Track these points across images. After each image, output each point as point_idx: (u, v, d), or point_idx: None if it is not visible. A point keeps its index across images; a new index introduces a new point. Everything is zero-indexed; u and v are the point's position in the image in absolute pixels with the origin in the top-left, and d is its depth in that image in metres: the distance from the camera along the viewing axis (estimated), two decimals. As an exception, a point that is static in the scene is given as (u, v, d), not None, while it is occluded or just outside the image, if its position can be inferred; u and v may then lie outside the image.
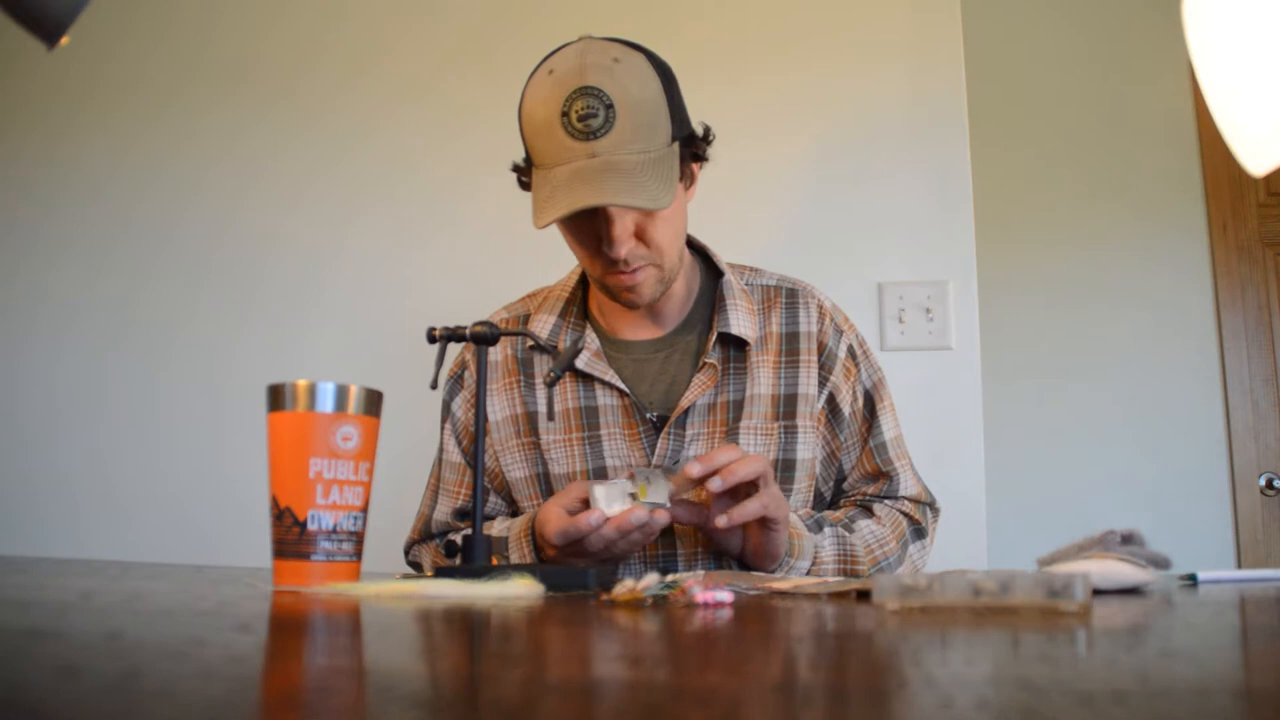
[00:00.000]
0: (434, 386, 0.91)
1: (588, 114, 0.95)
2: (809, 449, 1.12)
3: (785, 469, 1.11)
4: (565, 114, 0.96)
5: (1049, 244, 2.46)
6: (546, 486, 1.14)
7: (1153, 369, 2.40)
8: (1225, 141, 1.00)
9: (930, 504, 1.18)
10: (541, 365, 1.15)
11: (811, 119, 1.69)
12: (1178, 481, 2.34)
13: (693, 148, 1.07)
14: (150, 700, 0.27)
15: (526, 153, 1.06)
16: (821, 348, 1.15)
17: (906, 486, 1.16)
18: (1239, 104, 0.97)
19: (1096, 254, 2.45)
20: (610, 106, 0.96)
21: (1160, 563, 0.69)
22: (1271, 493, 2.34)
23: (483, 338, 0.84)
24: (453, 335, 0.86)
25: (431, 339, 0.88)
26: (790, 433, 1.11)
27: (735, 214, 1.67)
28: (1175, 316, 2.41)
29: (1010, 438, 2.36)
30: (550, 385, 0.94)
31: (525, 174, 1.08)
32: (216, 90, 1.92)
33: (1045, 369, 2.43)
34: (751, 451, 1.09)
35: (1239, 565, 2.28)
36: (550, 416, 0.97)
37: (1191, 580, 0.76)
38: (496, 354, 1.18)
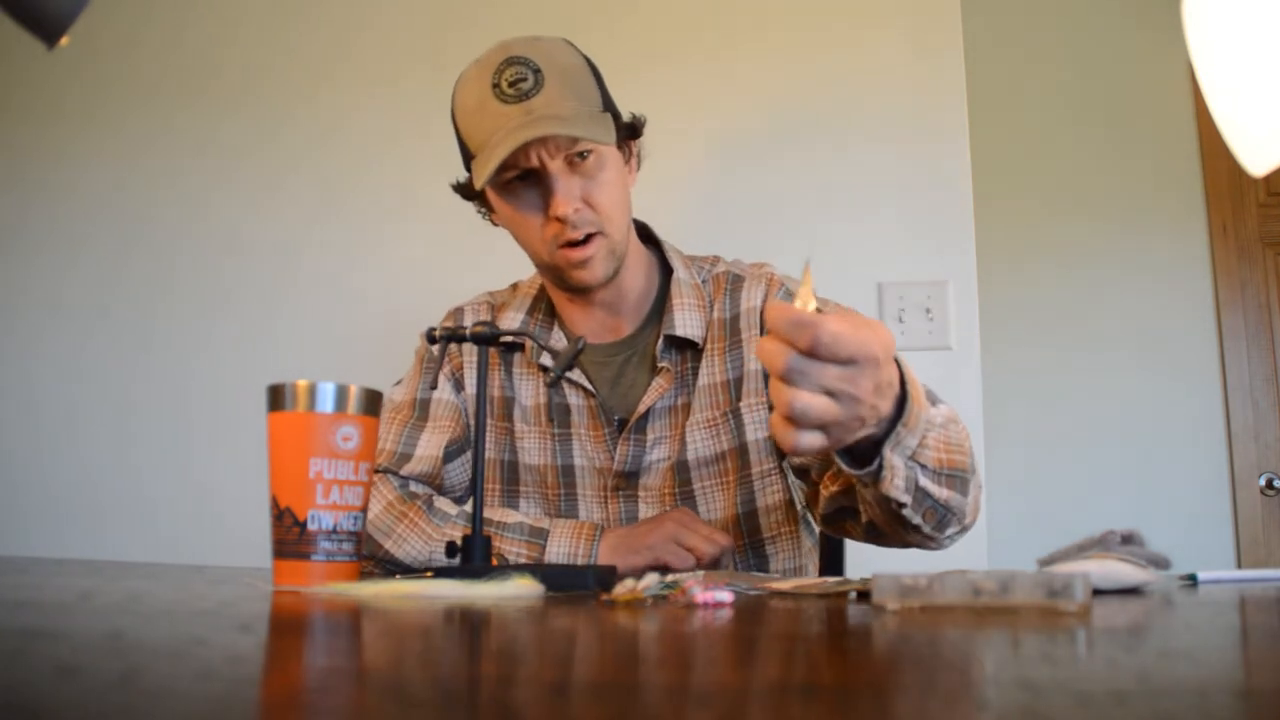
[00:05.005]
0: (433, 387, 0.91)
1: (517, 79, 0.97)
2: (762, 429, 1.08)
3: (741, 455, 1.08)
4: (495, 85, 0.98)
5: (1049, 244, 2.46)
6: (511, 474, 1.13)
7: (1153, 369, 2.40)
8: (1225, 141, 1.00)
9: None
10: (520, 359, 1.15)
11: (811, 119, 1.69)
12: (1178, 481, 2.34)
13: (627, 124, 1.08)
14: (150, 700, 0.27)
15: (465, 154, 1.06)
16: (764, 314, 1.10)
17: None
18: (1239, 104, 0.97)
19: (1096, 253, 2.45)
20: (538, 71, 0.98)
21: (1160, 563, 0.69)
22: (1271, 493, 2.34)
23: (483, 338, 0.84)
24: (453, 335, 0.86)
25: (432, 339, 0.88)
26: (737, 416, 1.08)
27: (734, 214, 1.67)
28: (1175, 316, 2.41)
29: (1010, 438, 2.36)
30: (551, 386, 0.94)
31: (467, 185, 1.09)
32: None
33: (1045, 368, 2.43)
34: (702, 448, 1.08)
35: (1239, 565, 2.28)
36: (550, 417, 0.97)
37: (1191, 580, 0.76)
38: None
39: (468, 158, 1.06)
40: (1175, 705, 0.27)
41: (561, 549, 1.01)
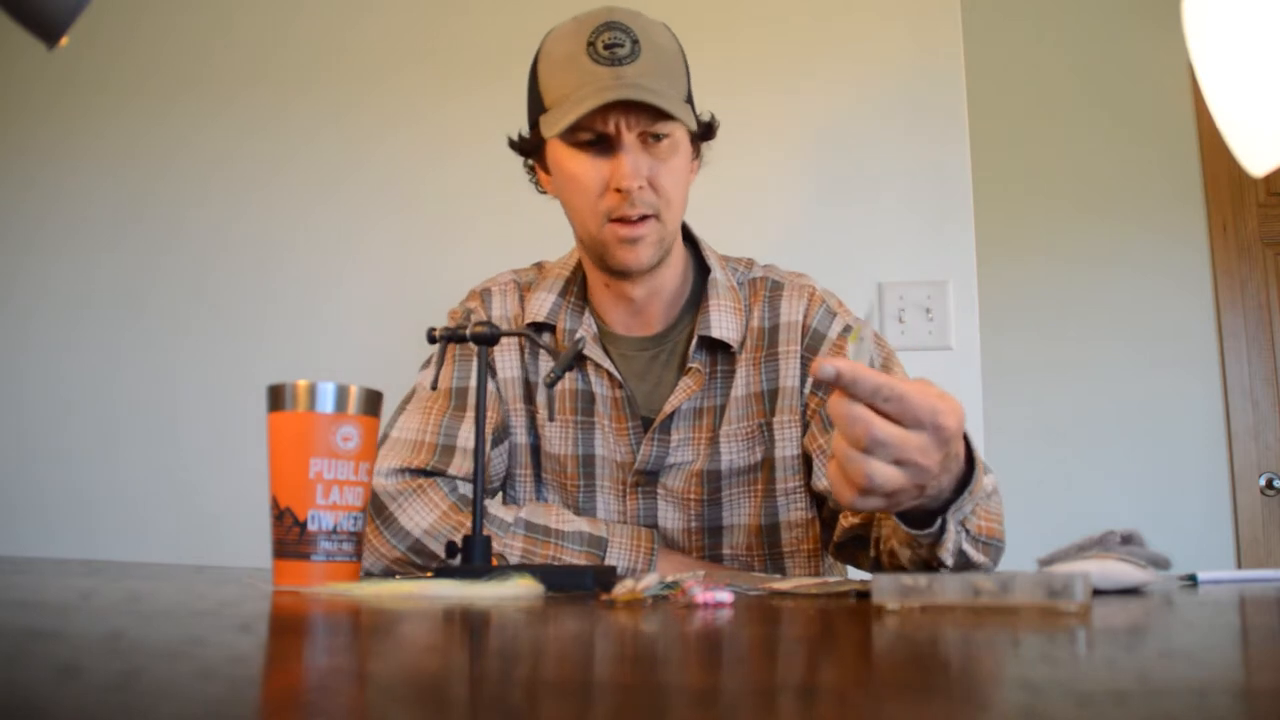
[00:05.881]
0: (433, 387, 0.90)
1: (614, 43, 0.95)
2: (792, 445, 1.06)
3: (770, 469, 1.07)
4: (591, 44, 0.96)
5: (1049, 244, 2.47)
6: (537, 460, 1.10)
7: (1153, 369, 2.40)
8: (1225, 141, 1.00)
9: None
10: (549, 340, 1.11)
11: (812, 119, 1.69)
12: (1178, 481, 2.34)
13: (705, 123, 1.06)
14: (150, 700, 0.27)
15: (535, 107, 1.03)
16: (806, 330, 1.08)
17: None
18: (1239, 104, 0.98)
19: (1096, 254, 2.45)
20: (636, 42, 0.96)
21: (1160, 563, 0.69)
22: (1271, 493, 2.34)
23: (483, 338, 0.84)
24: (453, 335, 0.85)
25: (431, 339, 0.87)
26: (769, 430, 1.06)
27: (735, 214, 1.66)
28: (1175, 317, 2.41)
29: (1010, 438, 2.36)
30: (550, 385, 0.93)
31: (527, 141, 1.06)
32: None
33: (1045, 369, 2.43)
34: (737, 458, 1.06)
35: (1239, 565, 2.28)
36: (550, 417, 0.96)
37: (1191, 580, 0.76)
38: (506, 310, 1.15)
39: (537, 111, 1.02)
40: (1175, 705, 0.27)
41: (620, 560, 0.99)
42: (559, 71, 0.98)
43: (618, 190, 0.98)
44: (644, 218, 1.00)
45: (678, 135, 1.00)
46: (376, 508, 1.00)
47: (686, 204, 1.06)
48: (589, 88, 0.95)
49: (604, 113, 0.95)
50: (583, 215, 1.02)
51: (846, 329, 1.09)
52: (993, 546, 0.87)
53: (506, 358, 1.12)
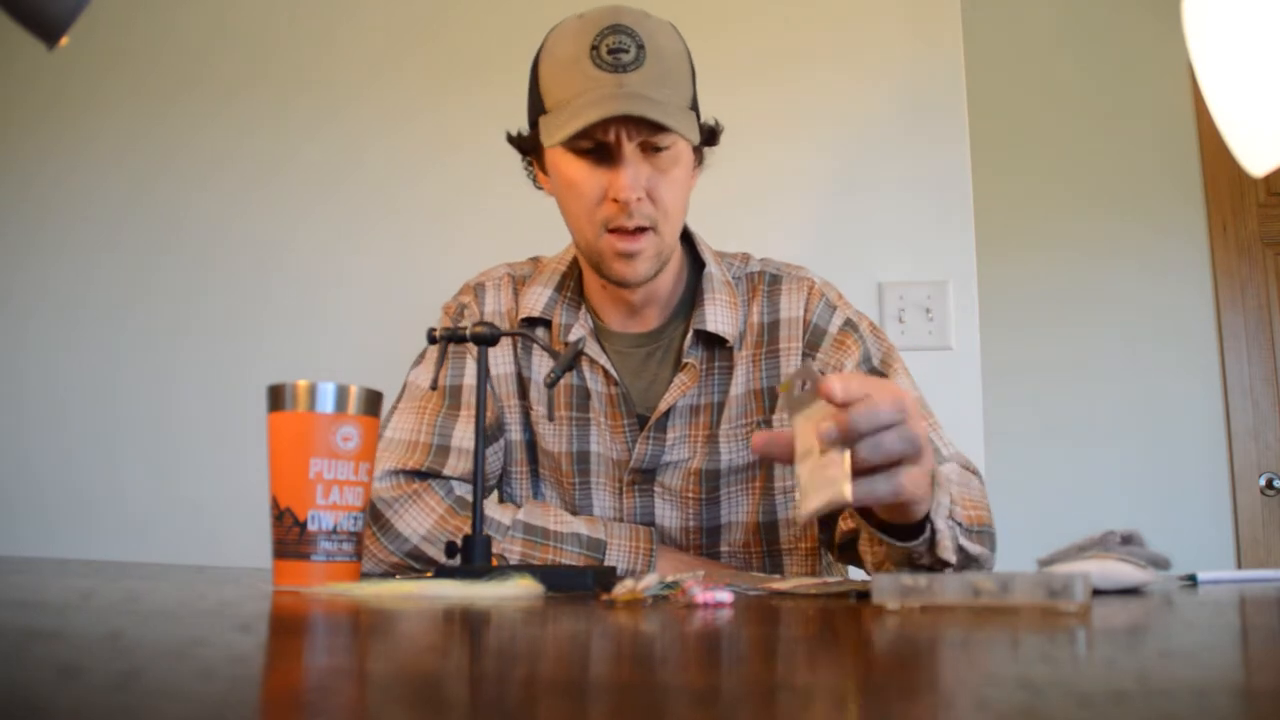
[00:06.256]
0: (433, 387, 0.90)
1: (618, 48, 0.93)
2: None
3: (766, 467, 1.06)
4: (595, 47, 0.94)
5: (1049, 244, 2.47)
6: (533, 456, 1.10)
7: (1153, 369, 2.40)
8: (1225, 141, 1.00)
9: (976, 472, 1.04)
10: (543, 335, 1.10)
11: (812, 120, 1.69)
12: (1178, 481, 2.35)
13: (709, 128, 1.05)
14: (150, 700, 0.27)
15: (535, 106, 1.02)
16: (806, 326, 1.08)
17: (944, 449, 1.02)
18: (1239, 104, 0.98)
19: (1096, 254, 2.45)
20: (641, 47, 0.94)
21: (1160, 563, 0.69)
22: (1271, 493, 2.34)
23: (483, 338, 0.84)
24: (453, 335, 0.85)
25: (431, 339, 0.87)
26: (769, 428, 1.05)
27: (735, 214, 1.66)
28: (1175, 316, 2.41)
29: (1010, 438, 2.36)
30: (549, 386, 0.92)
31: (527, 139, 1.05)
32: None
33: (1045, 369, 2.43)
34: (736, 457, 1.06)
35: (1239, 565, 2.28)
36: (550, 417, 0.95)
37: (1191, 580, 0.76)
38: (500, 305, 1.14)
39: (538, 111, 1.01)
40: (1175, 705, 0.27)
41: (619, 560, 0.99)
42: (561, 73, 0.97)
43: (615, 200, 0.97)
44: (641, 230, 0.98)
45: (679, 146, 0.99)
46: (373, 514, 0.99)
47: (686, 213, 1.05)
48: (591, 95, 0.93)
49: (605, 122, 0.93)
50: (580, 222, 1.01)
51: (840, 334, 1.08)
52: (985, 534, 0.87)
53: (500, 354, 1.11)
